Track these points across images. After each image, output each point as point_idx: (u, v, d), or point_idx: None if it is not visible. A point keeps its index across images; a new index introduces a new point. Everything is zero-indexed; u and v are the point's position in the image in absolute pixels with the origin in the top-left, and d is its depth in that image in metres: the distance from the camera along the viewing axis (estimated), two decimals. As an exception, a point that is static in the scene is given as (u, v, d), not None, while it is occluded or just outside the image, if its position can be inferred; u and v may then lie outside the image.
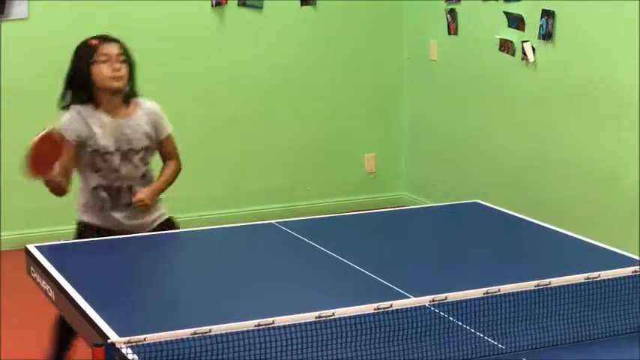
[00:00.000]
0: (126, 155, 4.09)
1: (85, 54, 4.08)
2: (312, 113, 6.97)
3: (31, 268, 3.60)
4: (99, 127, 4.05)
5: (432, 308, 2.88)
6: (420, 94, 7.01)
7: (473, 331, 2.83)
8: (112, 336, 2.72)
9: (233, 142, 6.74)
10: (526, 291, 2.89)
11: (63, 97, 4.13)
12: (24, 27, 6.12)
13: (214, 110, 6.67)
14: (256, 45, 6.71)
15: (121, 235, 3.99)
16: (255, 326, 2.60)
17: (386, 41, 7.06)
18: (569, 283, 2.93)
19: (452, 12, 6.57)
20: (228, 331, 2.60)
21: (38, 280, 3.50)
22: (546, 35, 5.80)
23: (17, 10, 6.08)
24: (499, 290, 2.85)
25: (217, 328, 2.59)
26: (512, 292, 2.88)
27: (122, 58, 4.08)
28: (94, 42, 4.09)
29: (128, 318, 2.98)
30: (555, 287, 2.92)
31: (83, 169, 4.11)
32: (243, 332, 2.60)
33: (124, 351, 2.53)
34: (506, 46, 6.11)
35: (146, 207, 4.08)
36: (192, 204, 6.53)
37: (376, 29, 7.02)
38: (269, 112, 6.84)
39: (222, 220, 5.99)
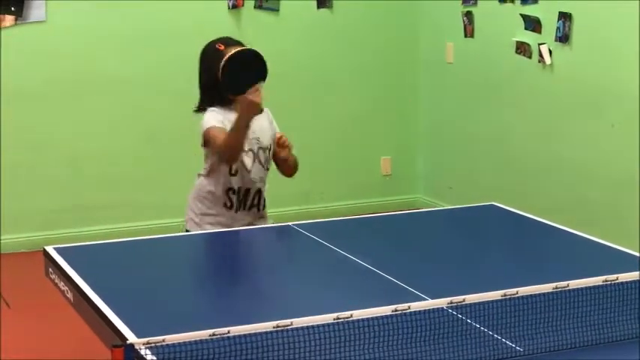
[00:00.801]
0: (257, 155, 4.16)
1: (212, 59, 4.12)
2: (328, 116, 6.97)
3: (49, 270, 3.61)
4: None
5: (450, 310, 2.88)
6: (437, 96, 7.01)
7: (491, 333, 2.83)
8: (131, 337, 2.72)
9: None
10: (544, 293, 2.88)
11: (201, 100, 4.21)
12: (42, 30, 6.14)
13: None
14: (272, 47, 6.65)
15: None
16: (274, 327, 2.61)
17: (402, 44, 7.06)
18: (588, 285, 2.93)
19: (468, 14, 6.56)
20: (247, 332, 2.60)
21: (56, 281, 3.51)
22: (563, 38, 5.79)
23: (35, 12, 6.10)
24: (517, 292, 2.85)
25: (236, 330, 2.59)
26: (531, 295, 2.87)
27: None
28: (221, 46, 4.13)
29: (146, 319, 2.98)
30: (573, 290, 2.91)
31: (217, 172, 4.15)
32: (261, 333, 2.60)
33: (142, 352, 2.54)
34: (522, 48, 6.11)
35: (287, 148, 4.21)
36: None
37: (392, 32, 7.02)
38: (285, 115, 6.77)
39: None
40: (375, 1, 6.90)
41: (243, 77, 4.01)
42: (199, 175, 4.23)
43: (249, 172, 4.14)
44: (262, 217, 4.26)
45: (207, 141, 4.10)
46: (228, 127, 4.03)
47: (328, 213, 6.47)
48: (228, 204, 4.15)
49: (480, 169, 6.64)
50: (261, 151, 4.18)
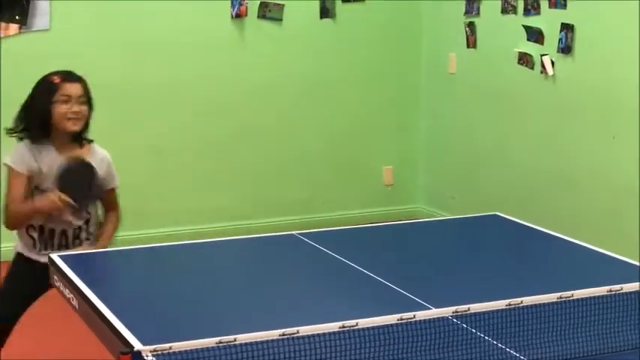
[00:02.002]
0: None
1: (46, 91, 3.96)
2: (331, 125, 6.99)
3: (55, 277, 3.62)
4: (48, 166, 3.93)
5: (455, 320, 2.89)
6: (439, 106, 7.03)
7: (495, 342, 2.84)
8: (137, 345, 2.72)
9: (251, 154, 6.77)
10: (548, 303, 2.90)
11: (16, 124, 4.03)
12: (46, 38, 6.16)
13: (233, 121, 6.70)
14: (276, 57, 6.74)
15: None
16: (280, 336, 2.62)
17: (405, 54, 7.08)
18: (592, 295, 2.94)
19: (471, 25, 6.58)
20: (253, 340, 2.61)
21: (62, 289, 3.52)
22: (565, 49, 5.81)
23: (40, 21, 6.12)
24: (521, 302, 2.86)
25: (242, 338, 2.60)
26: (535, 304, 2.88)
27: (82, 99, 3.97)
28: (56, 80, 3.96)
29: (151, 327, 2.99)
30: (578, 299, 2.92)
31: None
32: (267, 341, 2.61)
33: (149, 359, 2.55)
34: (525, 59, 6.13)
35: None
36: (209, 215, 6.56)
37: (395, 42, 7.04)
38: (287, 124, 6.86)
39: (239, 231, 6.01)
40: (378, 11, 6.92)
41: (75, 185, 3.89)
42: None
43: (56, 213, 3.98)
44: None
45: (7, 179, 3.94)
46: (33, 169, 3.91)
47: (330, 222, 6.48)
48: (30, 242, 4.01)
49: (482, 180, 6.65)
50: None
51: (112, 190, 4.14)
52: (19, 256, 4.07)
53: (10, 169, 3.95)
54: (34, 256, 4.02)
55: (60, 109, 3.93)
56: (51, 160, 3.95)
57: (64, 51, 6.22)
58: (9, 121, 6.07)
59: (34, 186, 3.96)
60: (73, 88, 3.96)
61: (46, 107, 3.93)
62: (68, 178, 3.89)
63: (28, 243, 4.03)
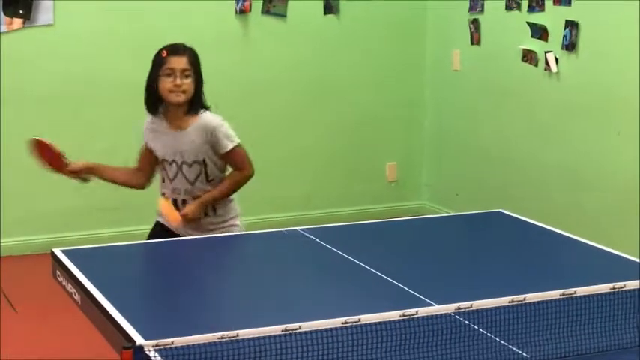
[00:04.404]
0: (180, 168, 4.15)
1: (155, 64, 4.14)
2: (334, 122, 6.98)
3: (57, 272, 3.62)
4: (161, 137, 4.15)
5: (457, 316, 2.89)
6: (443, 103, 7.03)
7: (497, 339, 2.84)
8: (139, 339, 2.73)
9: (254, 149, 6.69)
10: (551, 300, 2.89)
11: (145, 102, 4.21)
12: (50, 33, 6.16)
13: (236, 118, 6.62)
14: (279, 53, 6.73)
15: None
16: (282, 331, 2.62)
17: (409, 50, 7.07)
18: (595, 292, 2.94)
19: (475, 22, 6.58)
20: (255, 335, 2.61)
21: (64, 283, 3.52)
22: (569, 46, 5.80)
23: (43, 16, 6.12)
24: (524, 299, 2.86)
25: (244, 333, 2.60)
26: (538, 301, 2.88)
27: (187, 72, 4.09)
28: (164, 54, 4.12)
29: (154, 322, 3.00)
30: (580, 297, 2.92)
31: (161, 176, 4.27)
32: (270, 337, 2.62)
33: (151, 354, 2.54)
34: (529, 56, 6.12)
35: (191, 221, 4.13)
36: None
37: (399, 38, 7.04)
38: (291, 120, 6.86)
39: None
40: (382, 7, 6.92)
41: None
42: None
43: (171, 181, 4.18)
44: (197, 228, 4.19)
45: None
46: (151, 143, 4.20)
47: (332, 219, 6.46)
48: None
49: (486, 176, 6.64)
50: (184, 166, 4.16)
51: (226, 154, 4.22)
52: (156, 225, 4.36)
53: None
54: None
55: (164, 82, 4.09)
56: (163, 132, 4.16)
57: (68, 45, 6.23)
58: (14, 113, 6.13)
59: (159, 158, 4.21)
60: (178, 62, 4.08)
61: (155, 80, 4.11)
62: None
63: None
